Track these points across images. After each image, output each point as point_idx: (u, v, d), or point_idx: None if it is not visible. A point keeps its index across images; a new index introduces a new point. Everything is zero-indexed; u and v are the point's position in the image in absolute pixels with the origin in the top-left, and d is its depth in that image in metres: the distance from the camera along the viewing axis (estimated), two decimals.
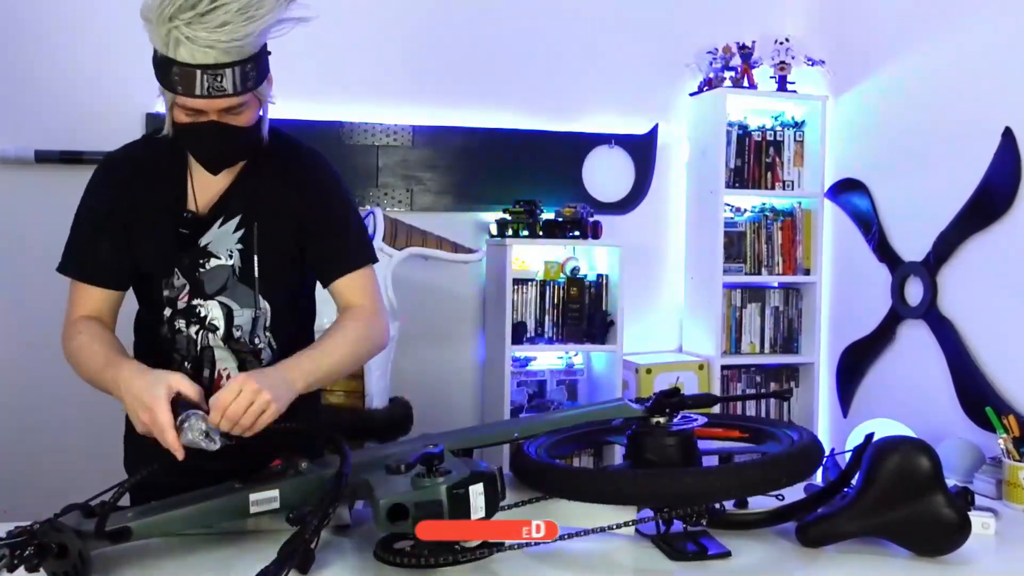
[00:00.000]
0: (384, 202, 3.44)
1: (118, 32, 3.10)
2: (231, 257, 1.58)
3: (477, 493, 1.27)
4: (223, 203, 1.59)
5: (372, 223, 2.97)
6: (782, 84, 3.62)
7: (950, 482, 1.52)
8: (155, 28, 1.39)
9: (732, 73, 3.60)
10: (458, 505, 1.26)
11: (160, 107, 3.21)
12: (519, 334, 3.40)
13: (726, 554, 1.44)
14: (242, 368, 1.58)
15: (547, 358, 3.62)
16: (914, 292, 3.19)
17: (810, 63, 3.62)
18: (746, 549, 1.47)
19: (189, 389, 1.36)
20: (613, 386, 3.45)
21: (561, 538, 1.39)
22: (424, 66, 3.46)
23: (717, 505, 1.53)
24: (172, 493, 1.41)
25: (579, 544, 1.42)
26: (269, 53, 1.51)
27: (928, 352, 3.11)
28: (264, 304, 1.60)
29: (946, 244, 3.03)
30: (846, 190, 3.55)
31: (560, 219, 3.42)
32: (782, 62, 3.60)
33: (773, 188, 3.69)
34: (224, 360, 1.59)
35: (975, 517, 1.53)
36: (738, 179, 3.64)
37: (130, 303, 1.66)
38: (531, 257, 3.54)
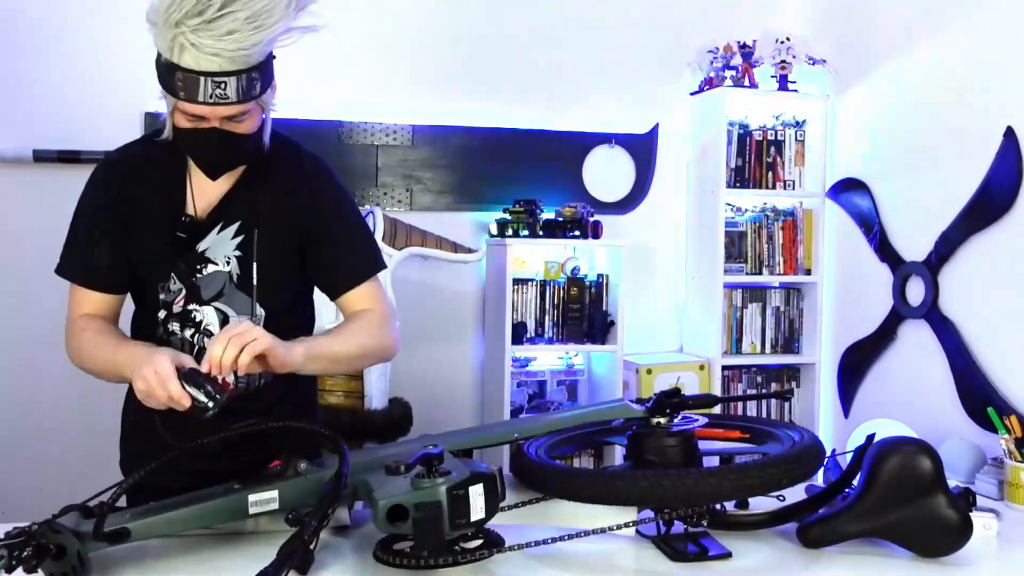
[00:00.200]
0: (383, 202, 3.43)
1: (116, 32, 3.10)
2: (228, 263, 1.57)
3: (477, 494, 1.27)
4: (222, 208, 1.58)
5: (372, 223, 2.97)
6: (783, 83, 3.61)
7: (952, 483, 1.52)
8: (160, 32, 1.38)
9: (733, 72, 3.60)
10: (458, 506, 1.25)
11: (159, 107, 3.21)
12: (519, 334, 3.39)
13: (727, 555, 1.43)
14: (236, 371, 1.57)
15: (547, 358, 3.61)
16: (915, 292, 3.19)
17: (811, 62, 3.61)
18: (747, 550, 1.47)
19: (192, 364, 1.38)
20: (613, 386, 3.44)
21: (561, 539, 1.38)
22: (424, 65, 3.46)
23: (718, 506, 1.52)
24: (171, 494, 1.41)
25: (579, 545, 1.41)
26: (274, 58, 1.49)
27: (929, 352, 3.10)
28: (260, 311, 1.58)
29: (948, 244, 3.02)
30: (847, 189, 3.55)
31: (560, 219, 3.42)
32: (783, 61, 3.59)
33: (774, 188, 3.69)
34: None
35: (977, 518, 1.53)
36: (739, 178, 3.64)
37: (127, 304, 1.65)
38: (531, 257, 3.54)
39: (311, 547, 1.29)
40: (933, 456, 1.45)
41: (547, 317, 3.49)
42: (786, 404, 3.71)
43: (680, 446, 1.50)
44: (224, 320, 1.57)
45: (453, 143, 3.50)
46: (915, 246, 3.18)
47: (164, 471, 1.36)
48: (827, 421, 3.69)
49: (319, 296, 1.72)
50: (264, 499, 1.37)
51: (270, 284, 1.58)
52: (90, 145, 3.05)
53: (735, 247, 3.64)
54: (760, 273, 3.70)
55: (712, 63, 3.63)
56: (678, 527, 1.47)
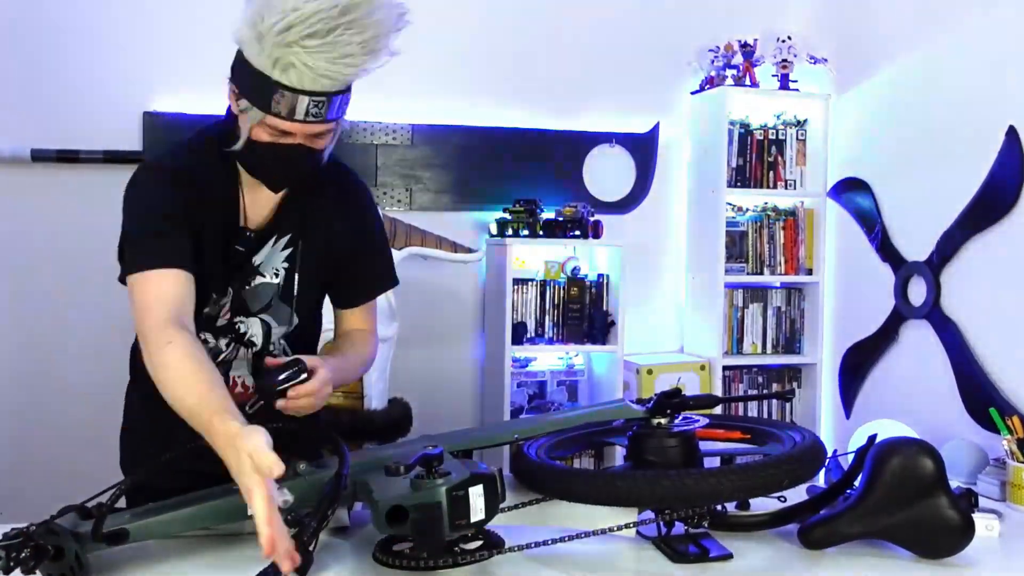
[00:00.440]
0: (383, 201, 3.43)
1: (116, 31, 3.10)
2: (276, 275, 1.57)
3: (477, 495, 1.26)
4: (277, 221, 1.57)
5: None
6: (784, 82, 3.61)
7: (954, 484, 1.51)
8: (265, 48, 1.34)
9: (734, 71, 3.59)
10: (458, 507, 1.25)
11: (158, 107, 3.22)
12: (519, 334, 3.39)
13: (728, 556, 1.43)
14: (255, 375, 1.58)
15: (547, 359, 3.61)
16: (917, 292, 3.18)
17: (812, 61, 3.61)
18: (748, 551, 1.46)
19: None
20: (614, 387, 3.44)
21: (562, 540, 1.38)
22: (423, 64, 3.45)
23: (719, 507, 1.52)
24: (169, 495, 1.40)
25: (580, 546, 1.41)
26: None
27: (931, 352, 3.10)
28: (295, 320, 1.61)
29: (949, 243, 3.02)
30: (849, 189, 3.54)
31: (560, 218, 3.41)
32: (784, 60, 3.59)
33: (775, 187, 3.68)
34: (238, 368, 1.58)
35: (979, 519, 1.53)
36: (740, 178, 3.63)
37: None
38: (531, 257, 3.53)
39: (310, 548, 1.28)
40: (935, 457, 1.44)
41: (547, 317, 3.49)
42: (787, 404, 3.71)
43: (681, 447, 1.49)
44: (267, 331, 1.57)
45: (453, 143, 3.50)
46: (917, 246, 3.17)
47: (163, 472, 1.35)
48: (828, 421, 3.68)
49: None
50: None
51: (309, 295, 1.61)
52: (88, 145, 3.04)
53: (736, 247, 3.64)
54: (761, 273, 3.69)
55: (713, 62, 3.62)
56: (679, 528, 1.47)
